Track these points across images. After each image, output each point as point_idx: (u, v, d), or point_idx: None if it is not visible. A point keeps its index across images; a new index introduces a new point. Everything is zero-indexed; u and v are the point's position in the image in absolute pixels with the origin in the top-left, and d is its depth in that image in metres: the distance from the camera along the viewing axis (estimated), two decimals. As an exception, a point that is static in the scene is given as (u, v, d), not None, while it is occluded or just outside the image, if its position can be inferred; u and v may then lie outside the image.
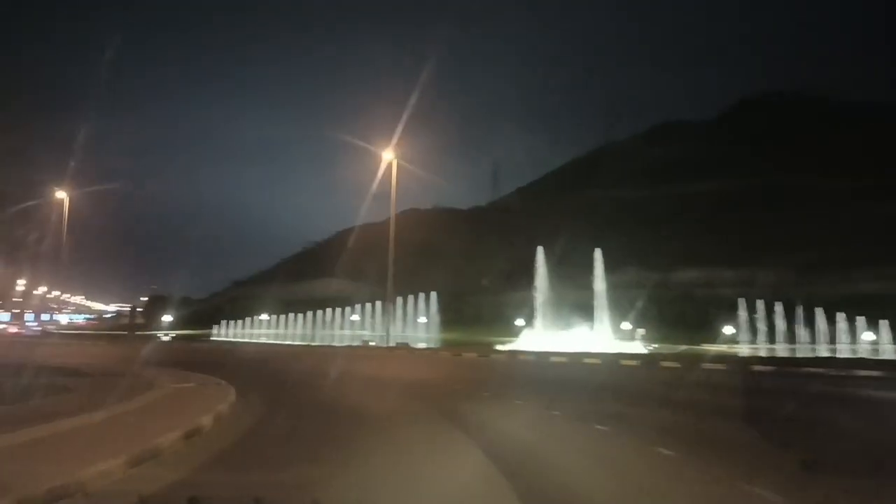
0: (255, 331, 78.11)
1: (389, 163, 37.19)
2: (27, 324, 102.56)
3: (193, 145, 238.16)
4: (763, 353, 52.08)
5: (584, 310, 51.86)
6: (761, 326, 61.00)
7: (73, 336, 65.27)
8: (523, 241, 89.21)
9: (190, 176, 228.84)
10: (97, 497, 6.12)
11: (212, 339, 72.39)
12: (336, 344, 54.68)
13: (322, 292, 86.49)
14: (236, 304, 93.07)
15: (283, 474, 7.30)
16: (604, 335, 47.90)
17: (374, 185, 37.52)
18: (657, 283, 76.01)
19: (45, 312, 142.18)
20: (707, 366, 27.22)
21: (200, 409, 10.92)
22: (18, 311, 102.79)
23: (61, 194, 43.18)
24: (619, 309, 54.82)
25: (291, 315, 74.18)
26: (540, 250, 52.90)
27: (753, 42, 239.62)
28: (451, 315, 63.79)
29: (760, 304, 60.60)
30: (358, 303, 67.38)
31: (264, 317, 79.08)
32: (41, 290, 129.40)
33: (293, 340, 65.79)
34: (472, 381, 20.95)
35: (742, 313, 61.40)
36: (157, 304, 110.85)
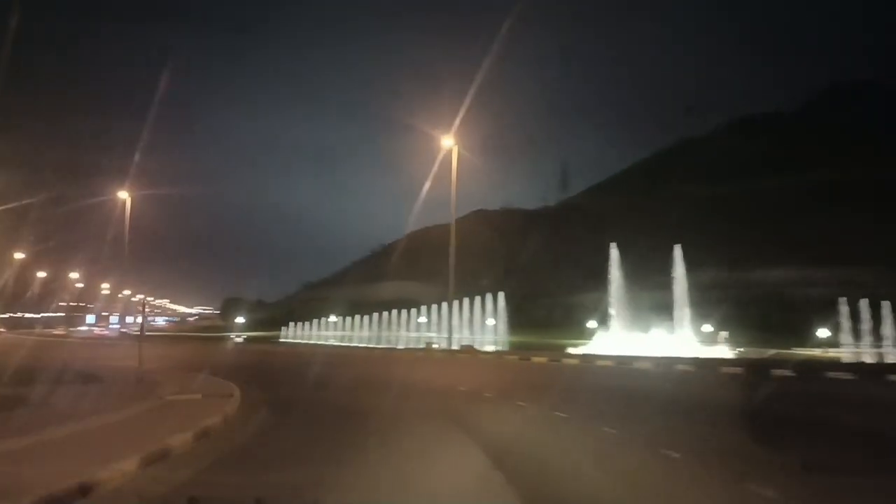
0: (324, 332, 77.35)
1: (450, 150, 34.83)
2: (111, 326, 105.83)
3: (270, 155, 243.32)
4: (876, 359, 46.35)
5: (661, 311, 48.15)
6: (860, 328, 55.06)
7: (147, 337, 66.02)
8: (595, 240, 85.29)
9: (269, 185, 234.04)
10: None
11: (280, 340, 72.13)
12: (401, 346, 52.66)
13: (390, 294, 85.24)
14: (306, 307, 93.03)
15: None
16: (685, 338, 44.02)
17: (435, 169, 34.95)
18: (738, 283, 71.01)
19: (132, 315, 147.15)
20: (832, 375, 22.45)
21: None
22: (107, 313, 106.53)
23: (123, 194, 43.16)
24: (698, 310, 50.72)
25: (358, 317, 72.96)
26: (614, 249, 49.32)
27: (840, 31, 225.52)
28: (520, 317, 60.89)
29: (864, 304, 54.42)
30: (425, 305, 65.42)
31: (333, 319, 78.26)
32: (125, 293, 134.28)
33: (359, 342, 64.44)
34: (540, 392, 17.10)
35: (840, 314, 55.39)
36: (232, 307, 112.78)
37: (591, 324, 57.30)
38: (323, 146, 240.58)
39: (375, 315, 71.52)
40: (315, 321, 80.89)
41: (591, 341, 46.25)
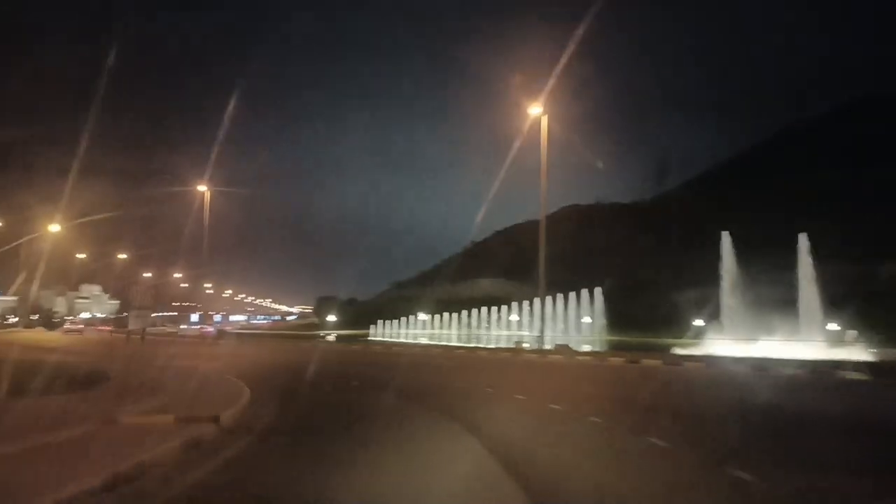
0: (412, 330, 75.19)
1: (538, 119, 31.04)
2: (215, 324, 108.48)
3: (364, 157, 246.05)
4: None
5: (778, 308, 42.58)
6: None
7: (242, 335, 66.41)
8: (694, 235, 79.22)
9: (367, 185, 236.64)
10: None
11: (368, 338, 70.55)
12: (491, 346, 49.25)
13: (480, 292, 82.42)
14: (396, 305, 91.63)
15: None
16: (813, 338, 38.33)
17: (522, 139, 31.13)
18: (862, 277, 63.46)
19: (234, 314, 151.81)
20: None
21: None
22: (212, 312, 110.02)
23: (202, 188, 42.53)
24: (821, 307, 44.66)
25: (447, 315, 70.26)
26: (726, 238, 44.05)
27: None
28: (617, 315, 56.25)
29: None
30: (516, 302, 61.83)
31: (422, 316, 75.95)
32: (227, 293, 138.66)
33: (448, 340, 61.68)
34: (685, 422, 11.23)
35: None
36: (325, 305, 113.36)
37: (698, 322, 52.21)
38: (415, 147, 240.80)
39: (465, 313, 68.62)
40: (403, 319, 78.93)
41: (700, 341, 41.26)
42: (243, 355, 33.69)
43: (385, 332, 75.30)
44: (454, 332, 66.50)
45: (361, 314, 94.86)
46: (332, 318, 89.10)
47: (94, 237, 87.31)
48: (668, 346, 41.34)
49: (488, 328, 63.32)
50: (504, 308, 62.21)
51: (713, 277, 46.22)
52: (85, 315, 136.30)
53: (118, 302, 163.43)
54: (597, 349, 42.17)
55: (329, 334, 74.45)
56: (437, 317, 74.03)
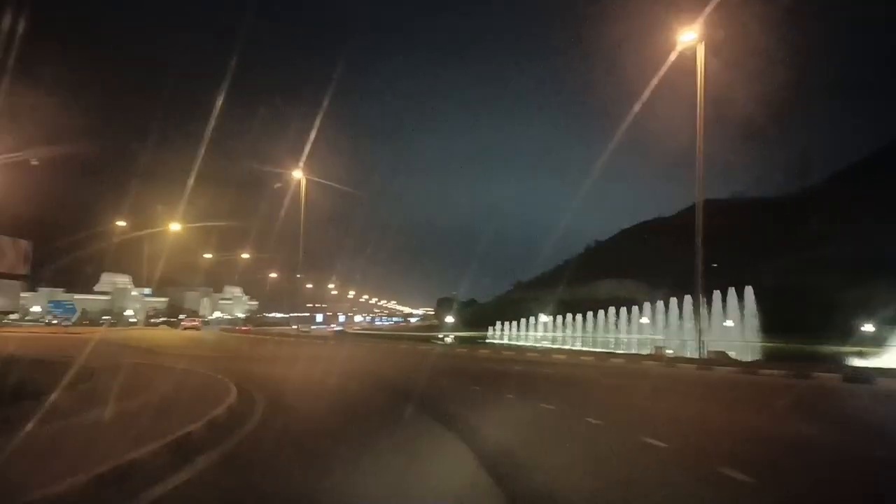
0: (532, 332, 70.62)
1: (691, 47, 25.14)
2: (338, 325, 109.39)
3: (488, 156, 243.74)
4: None
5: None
6: None
7: (358, 335, 65.05)
8: (846, 231, 69.71)
9: (489, 188, 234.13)
10: None
11: (487, 341, 66.84)
12: (621, 351, 43.69)
13: (604, 293, 76.54)
14: (517, 306, 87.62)
15: None
16: None
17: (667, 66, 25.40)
18: None
19: (359, 315, 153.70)
20: None
21: None
22: (339, 313, 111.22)
23: (297, 174, 41.18)
24: None
25: (570, 316, 64.99)
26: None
27: None
28: (766, 319, 48.90)
29: None
30: (643, 303, 55.76)
31: (543, 318, 71.15)
32: (351, 294, 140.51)
33: (573, 344, 56.62)
34: None
35: None
36: (445, 307, 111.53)
37: (867, 327, 44.26)
38: (541, 148, 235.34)
39: (589, 314, 63.18)
40: (524, 321, 74.53)
41: (879, 349, 33.86)
42: (347, 357, 31.08)
43: (504, 334, 71.25)
44: (577, 334, 61.25)
45: (481, 315, 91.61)
46: (450, 319, 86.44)
47: (224, 240, 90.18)
48: (837, 356, 34.33)
49: (616, 331, 57.66)
50: (635, 308, 56.21)
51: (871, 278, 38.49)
52: (217, 315, 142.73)
53: (257, 303, 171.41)
54: (750, 357, 35.40)
55: (447, 336, 71.47)
56: (559, 318, 69.04)
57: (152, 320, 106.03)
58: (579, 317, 64.32)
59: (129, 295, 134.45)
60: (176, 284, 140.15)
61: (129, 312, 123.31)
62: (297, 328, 68.41)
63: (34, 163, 20.71)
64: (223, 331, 75.05)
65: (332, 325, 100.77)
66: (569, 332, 63.18)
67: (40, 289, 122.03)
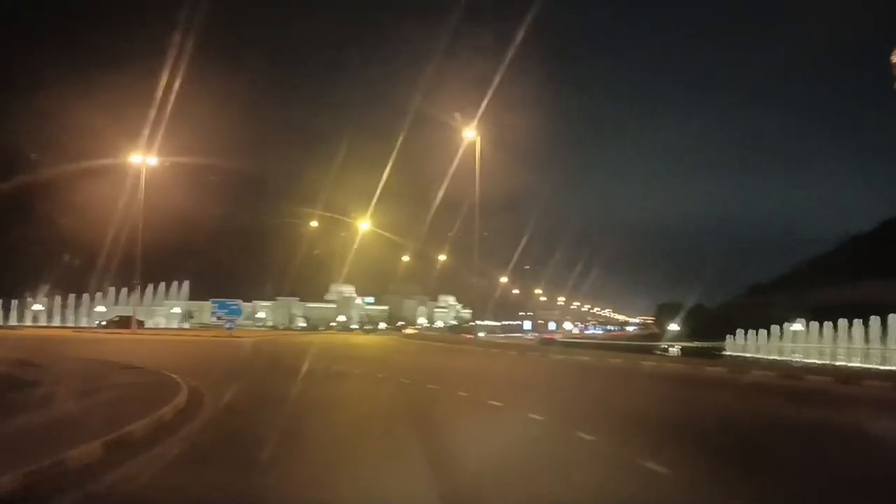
0: (782, 344, 57.37)
1: None
2: (546, 333, 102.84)
3: (706, 153, 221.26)
4: None
5: None
6: None
7: (568, 345, 57.58)
8: None
9: (710, 183, 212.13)
10: None
11: (724, 353, 55.35)
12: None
13: (862, 297, 60.60)
14: (752, 312, 73.81)
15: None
16: None
17: None
18: None
19: (570, 323, 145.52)
20: None
21: None
22: (541, 321, 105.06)
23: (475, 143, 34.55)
24: None
25: (842, 324, 50.96)
26: None
27: None
28: None
29: None
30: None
31: (795, 327, 57.57)
32: (561, 300, 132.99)
33: (848, 360, 43.74)
34: None
35: None
36: (667, 314, 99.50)
37: None
38: (771, 137, 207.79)
39: (857, 322, 49.18)
40: (765, 329, 61.32)
41: None
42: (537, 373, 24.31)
43: (748, 345, 58.95)
44: (855, 345, 47.66)
45: (710, 323, 78.94)
46: (674, 327, 75.33)
47: (429, 247, 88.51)
48: None
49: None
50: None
51: None
52: (422, 322, 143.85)
53: (470, 311, 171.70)
54: None
55: (671, 346, 61.14)
56: (812, 326, 55.23)
57: (366, 327, 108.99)
58: (843, 324, 50.39)
59: (353, 303, 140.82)
60: (395, 293, 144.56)
61: (341, 318, 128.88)
62: (483, 335, 61.57)
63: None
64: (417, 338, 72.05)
65: (535, 333, 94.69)
66: (839, 343, 49.60)
67: (280, 298, 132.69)
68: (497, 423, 11.75)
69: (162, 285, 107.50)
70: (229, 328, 48.40)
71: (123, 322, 63.81)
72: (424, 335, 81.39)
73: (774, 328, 60.00)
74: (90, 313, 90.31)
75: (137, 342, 39.81)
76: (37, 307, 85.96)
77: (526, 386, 19.87)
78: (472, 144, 42.72)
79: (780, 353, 54.79)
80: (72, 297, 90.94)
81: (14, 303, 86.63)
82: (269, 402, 13.97)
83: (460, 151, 42.17)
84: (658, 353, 49.42)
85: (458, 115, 40.69)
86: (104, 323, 73.37)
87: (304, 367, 22.56)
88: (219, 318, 52.49)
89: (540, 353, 38.26)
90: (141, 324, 67.97)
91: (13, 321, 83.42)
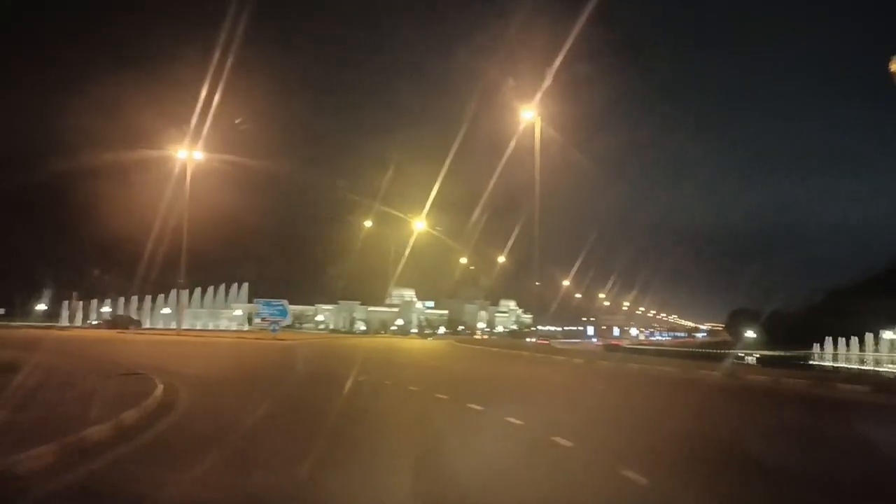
0: (874, 354, 51.64)
1: None
2: (613, 337, 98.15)
3: (777, 154, 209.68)
4: None
5: None
6: None
7: (634, 352, 53.48)
8: None
9: (781, 184, 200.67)
10: None
11: (810, 363, 50.17)
12: None
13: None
14: (837, 319, 67.39)
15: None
16: None
17: None
18: None
19: (636, 328, 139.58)
20: None
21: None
22: (604, 326, 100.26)
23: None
24: None
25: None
26: None
27: None
28: None
29: None
30: None
31: (889, 335, 51.77)
32: (626, 305, 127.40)
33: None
34: None
35: None
36: (740, 320, 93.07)
37: None
38: (842, 137, 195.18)
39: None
40: (855, 337, 55.51)
41: None
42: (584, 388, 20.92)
43: (838, 354, 53.41)
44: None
45: (789, 330, 72.70)
46: (750, 334, 69.66)
47: (488, 248, 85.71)
48: None
49: None
50: None
51: None
52: (482, 326, 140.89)
53: (530, 316, 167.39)
54: None
55: (749, 355, 56.14)
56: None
57: (426, 331, 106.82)
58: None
59: (414, 308, 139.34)
60: (455, 297, 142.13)
61: (399, 322, 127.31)
62: (535, 341, 57.27)
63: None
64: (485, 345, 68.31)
65: (598, 339, 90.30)
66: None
67: (342, 302, 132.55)
68: (571, 483, 7.34)
69: (222, 288, 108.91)
70: (273, 330, 45.92)
71: (121, 322, 64.39)
72: (492, 341, 77.34)
73: (867, 336, 54.20)
74: (153, 314, 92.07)
75: (172, 343, 38.00)
76: (105, 309, 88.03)
77: (599, 410, 14.29)
78: (532, 140, 39.68)
79: (878, 363, 49.21)
80: (134, 298, 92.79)
81: (65, 304, 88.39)
82: (243, 409, 11.53)
83: (517, 134, 38.79)
84: (735, 361, 44.92)
85: (512, 80, 37.14)
86: (97, 322, 74.01)
87: (325, 374, 20.06)
88: (262, 320, 49.77)
89: (613, 363, 33.39)
90: (138, 324, 68.70)
91: (78, 322, 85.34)
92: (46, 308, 73.76)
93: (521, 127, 37.74)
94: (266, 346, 38.22)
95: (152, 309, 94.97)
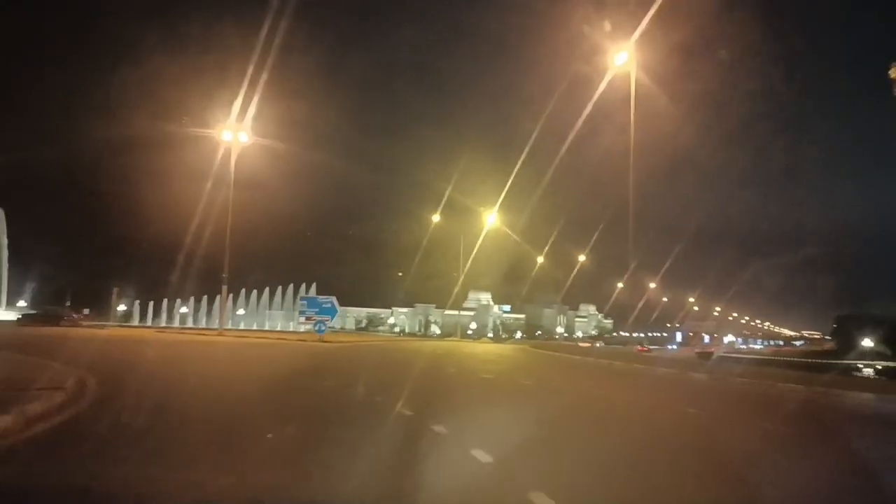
0: None
1: None
2: (704, 345, 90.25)
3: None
4: None
5: None
6: None
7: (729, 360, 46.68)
8: None
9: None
10: None
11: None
12: None
13: None
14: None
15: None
16: None
17: None
18: None
19: (730, 336, 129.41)
20: None
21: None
22: (693, 333, 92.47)
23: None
24: None
25: None
26: None
27: None
28: None
29: None
30: None
31: None
32: (717, 310, 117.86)
33: None
34: None
35: None
36: (849, 326, 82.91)
37: None
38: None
39: None
40: None
41: None
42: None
43: None
44: None
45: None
46: (867, 343, 60.80)
47: (568, 252, 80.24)
48: None
49: None
50: None
51: None
52: (560, 331, 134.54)
53: (611, 321, 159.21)
54: None
55: (868, 366, 48.24)
56: None
57: (503, 335, 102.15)
58: None
59: (490, 311, 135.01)
60: (532, 301, 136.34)
61: (473, 326, 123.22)
62: (588, 345, 50.12)
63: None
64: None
65: (685, 346, 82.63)
66: None
67: (418, 305, 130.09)
68: None
69: (290, 288, 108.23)
70: (320, 331, 39.80)
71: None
72: (595, 350, 66.10)
73: None
74: (233, 316, 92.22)
75: (186, 344, 32.56)
76: (183, 310, 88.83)
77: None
78: (616, 133, 34.58)
79: None
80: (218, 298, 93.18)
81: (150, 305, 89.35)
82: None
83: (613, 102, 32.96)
84: (855, 373, 37.89)
85: (609, 24, 30.56)
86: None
87: (333, 388, 15.10)
88: (307, 319, 42.89)
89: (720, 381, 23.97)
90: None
91: (162, 322, 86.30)
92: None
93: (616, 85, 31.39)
94: (302, 349, 32.17)
95: (209, 308, 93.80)
